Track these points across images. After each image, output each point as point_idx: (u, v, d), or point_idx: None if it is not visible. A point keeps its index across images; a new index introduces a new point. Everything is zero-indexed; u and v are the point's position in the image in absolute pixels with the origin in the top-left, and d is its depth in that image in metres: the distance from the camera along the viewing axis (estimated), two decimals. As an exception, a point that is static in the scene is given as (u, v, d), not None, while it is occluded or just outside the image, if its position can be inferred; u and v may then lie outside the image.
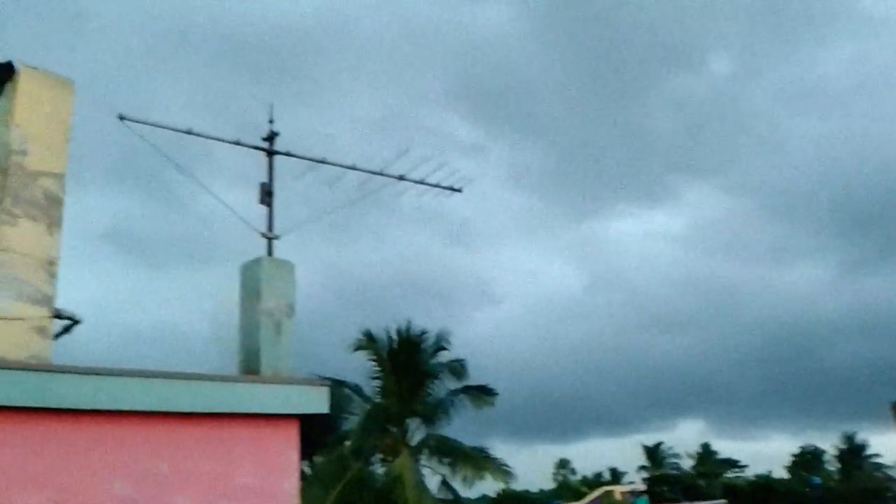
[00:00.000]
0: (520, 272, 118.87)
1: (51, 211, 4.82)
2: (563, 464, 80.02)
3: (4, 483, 3.94)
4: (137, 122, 5.55)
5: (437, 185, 6.96)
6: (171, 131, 5.73)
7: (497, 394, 21.55)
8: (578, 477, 74.82)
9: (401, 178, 6.78)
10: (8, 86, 4.96)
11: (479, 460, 20.65)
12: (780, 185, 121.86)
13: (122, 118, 5.51)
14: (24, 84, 4.92)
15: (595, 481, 65.93)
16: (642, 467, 65.29)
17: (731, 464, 64.42)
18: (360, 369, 21.13)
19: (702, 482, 52.09)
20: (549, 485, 72.20)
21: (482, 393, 21.48)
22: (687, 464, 65.02)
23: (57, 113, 5.00)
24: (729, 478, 58.22)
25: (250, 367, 5.37)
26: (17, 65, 4.98)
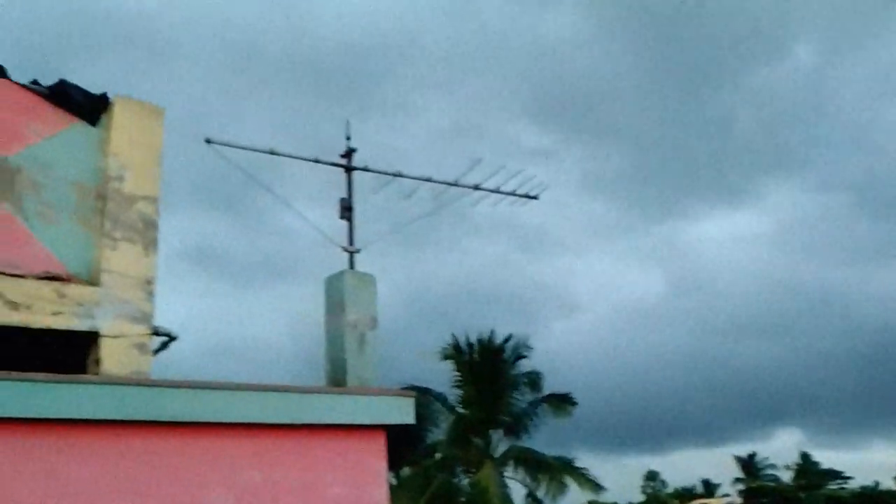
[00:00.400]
0: (598, 278, 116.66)
1: (147, 233, 5.06)
2: (651, 476, 77.64)
3: (107, 494, 4.12)
4: (222, 144, 5.75)
5: (513, 194, 6.92)
6: (254, 152, 5.92)
7: (577, 403, 21.21)
8: (669, 490, 72.40)
9: (476, 187, 6.77)
10: (104, 116, 5.25)
11: (565, 472, 20.33)
12: (873, 180, 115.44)
13: (208, 141, 5.72)
14: (119, 114, 5.20)
15: (687, 494, 63.64)
16: (737, 479, 62.60)
17: (834, 475, 60.82)
18: (441, 379, 21.23)
19: (802, 495, 49.46)
20: (637, 497, 70.24)
21: (562, 402, 21.19)
22: (785, 476, 61.96)
23: (149, 139, 5.25)
24: (832, 489, 55.02)
25: (337, 379, 5.46)
26: (111, 96, 5.27)
